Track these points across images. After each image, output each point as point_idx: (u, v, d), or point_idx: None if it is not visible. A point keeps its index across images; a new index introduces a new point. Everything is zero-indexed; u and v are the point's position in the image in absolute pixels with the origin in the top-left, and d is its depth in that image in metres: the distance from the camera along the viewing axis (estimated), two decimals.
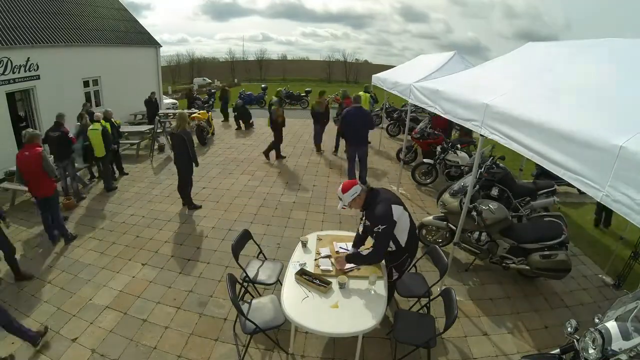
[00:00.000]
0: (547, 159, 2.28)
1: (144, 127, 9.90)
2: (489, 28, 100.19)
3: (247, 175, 7.34)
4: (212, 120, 11.14)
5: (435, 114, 4.51)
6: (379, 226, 2.60)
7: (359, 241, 3.15)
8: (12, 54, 7.94)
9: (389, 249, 2.79)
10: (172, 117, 10.60)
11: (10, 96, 8.24)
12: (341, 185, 2.82)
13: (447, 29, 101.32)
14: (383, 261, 2.97)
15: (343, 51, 56.75)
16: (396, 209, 2.65)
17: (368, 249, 2.95)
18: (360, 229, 3.06)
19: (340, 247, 3.27)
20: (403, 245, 2.79)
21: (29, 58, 8.41)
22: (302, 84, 28.62)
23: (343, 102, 9.13)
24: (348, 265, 2.93)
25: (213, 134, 10.86)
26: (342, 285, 2.71)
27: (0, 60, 7.66)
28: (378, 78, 9.49)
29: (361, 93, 9.08)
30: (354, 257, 2.87)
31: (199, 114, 10.54)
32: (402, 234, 2.76)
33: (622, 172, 1.70)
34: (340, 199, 2.82)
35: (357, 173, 6.65)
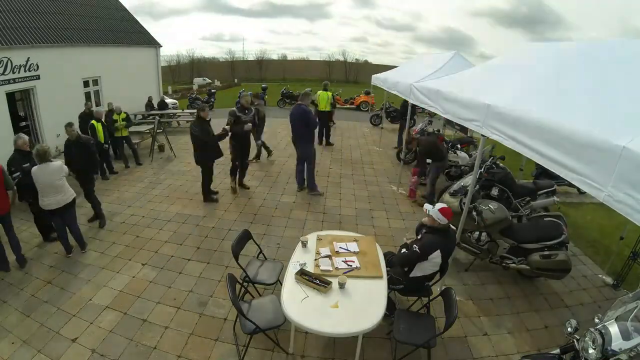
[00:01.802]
0: (549, 159, 2.28)
1: (144, 127, 9.91)
2: (463, 11, 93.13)
3: (247, 176, 7.33)
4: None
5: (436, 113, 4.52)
6: (416, 245, 2.90)
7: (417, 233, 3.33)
8: (12, 54, 7.93)
9: (404, 268, 3.06)
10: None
11: (10, 96, 8.24)
12: (443, 206, 2.92)
13: (417, 17, 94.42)
14: (383, 264, 3.09)
15: (343, 51, 56.53)
16: (437, 255, 2.85)
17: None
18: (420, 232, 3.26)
19: (340, 247, 3.27)
20: (409, 275, 3.00)
21: (29, 58, 8.40)
22: (302, 84, 28.58)
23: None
24: (345, 266, 3.00)
25: None
26: (342, 285, 2.71)
27: (0, 60, 7.66)
28: (378, 78, 9.49)
29: (320, 92, 9.33)
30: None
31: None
32: (419, 270, 2.96)
33: (624, 172, 1.70)
34: (429, 210, 2.95)
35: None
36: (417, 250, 2.86)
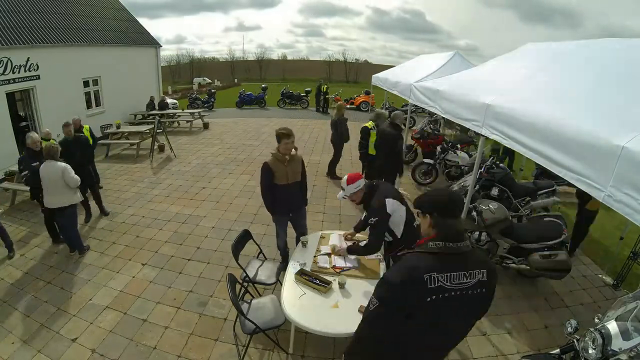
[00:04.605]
0: (549, 160, 2.28)
1: (144, 127, 9.91)
2: None
3: (247, 175, 7.34)
4: None
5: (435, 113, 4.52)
6: (372, 218, 2.71)
7: (360, 227, 3.32)
8: (12, 54, 7.92)
9: (386, 239, 2.87)
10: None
11: (10, 96, 8.24)
12: (346, 176, 2.88)
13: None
14: (382, 257, 3.06)
15: (343, 51, 56.57)
16: (391, 203, 2.70)
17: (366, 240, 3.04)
18: (362, 217, 3.17)
19: (341, 245, 3.28)
20: (399, 237, 2.84)
21: (29, 58, 8.39)
22: (302, 84, 28.57)
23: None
24: (343, 265, 2.98)
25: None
26: (342, 285, 2.71)
27: (0, 60, 7.66)
28: (378, 78, 9.51)
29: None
30: (355, 249, 2.96)
31: None
32: (397, 227, 2.82)
33: (624, 172, 1.70)
34: (343, 189, 2.89)
35: None
36: (374, 220, 2.68)
